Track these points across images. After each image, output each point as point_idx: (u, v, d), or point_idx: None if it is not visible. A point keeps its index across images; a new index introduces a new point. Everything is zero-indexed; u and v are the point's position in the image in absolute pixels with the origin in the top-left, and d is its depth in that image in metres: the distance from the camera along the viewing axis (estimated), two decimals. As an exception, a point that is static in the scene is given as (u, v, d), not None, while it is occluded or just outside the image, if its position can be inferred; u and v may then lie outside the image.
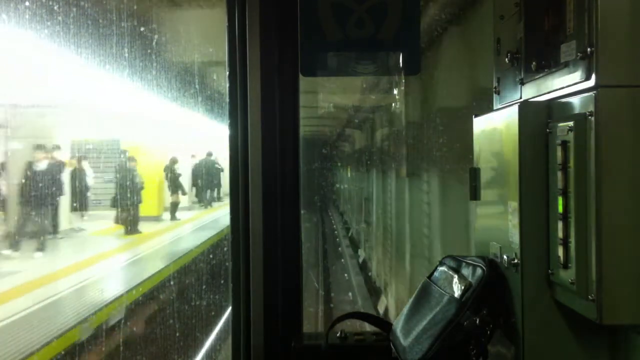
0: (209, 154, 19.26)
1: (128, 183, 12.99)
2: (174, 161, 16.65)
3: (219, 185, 20.32)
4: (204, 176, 19.42)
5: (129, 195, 12.87)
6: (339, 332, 1.90)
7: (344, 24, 2.01)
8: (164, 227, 14.99)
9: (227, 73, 2.04)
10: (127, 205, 12.88)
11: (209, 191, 20.04)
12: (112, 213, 12.93)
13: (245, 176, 2.01)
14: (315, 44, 2.04)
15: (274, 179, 2.01)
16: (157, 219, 15.37)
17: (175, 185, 16.41)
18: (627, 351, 1.21)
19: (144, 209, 13.99)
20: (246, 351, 2.01)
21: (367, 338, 1.92)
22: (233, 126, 2.03)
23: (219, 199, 20.66)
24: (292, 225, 2.06)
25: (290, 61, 2.02)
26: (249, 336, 2.00)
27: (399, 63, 2.12)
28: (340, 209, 20.53)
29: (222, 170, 19.56)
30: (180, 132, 16.92)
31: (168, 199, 16.47)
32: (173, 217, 15.91)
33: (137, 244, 12.35)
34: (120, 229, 12.87)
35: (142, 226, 13.38)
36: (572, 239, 1.13)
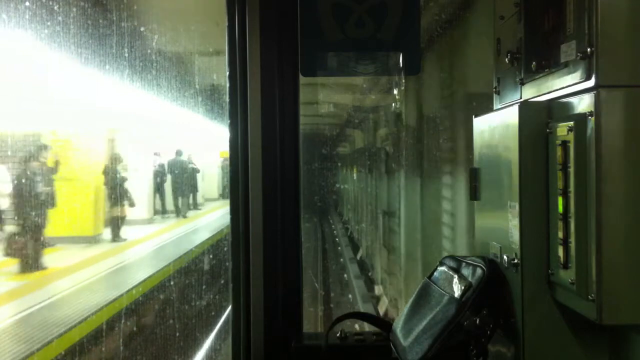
0: (179, 153, 15.77)
1: (27, 191, 8.85)
2: (115, 160, 11.91)
3: (194, 190, 17.19)
4: (174, 180, 15.57)
5: (29, 209, 8.75)
6: (339, 332, 1.90)
7: (344, 24, 2.01)
8: (92, 255, 9.88)
9: (227, 73, 2.04)
10: (27, 225, 8.66)
11: (180, 198, 16.34)
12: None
13: (245, 176, 2.01)
14: (315, 44, 2.04)
15: (274, 180, 2.01)
16: (91, 240, 10.73)
17: (117, 193, 11.65)
18: (627, 351, 1.21)
19: (69, 227, 9.98)
20: (246, 351, 2.01)
21: (367, 338, 1.92)
22: (233, 126, 2.03)
23: (196, 206, 17.55)
24: (292, 225, 2.06)
25: (290, 61, 2.02)
26: (249, 336, 2.00)
27: (399, 63, 2.12)
28: (344, 218, 17.62)
29: (198, 171, 16.89)
30: (155, 128, 13.64)
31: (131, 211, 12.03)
32: (116, 238, 11.36)
33: (19, 294, 7.09)
34: (14, 262, 8.33)
35: (60, 254, 9.12)
36: (572, 239, 1.13)
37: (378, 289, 9.01)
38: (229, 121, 2.05)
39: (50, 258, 8.82)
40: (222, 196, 20.20)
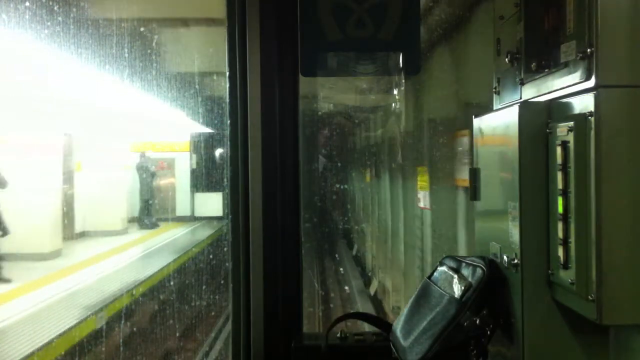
0: None
1: None
2: None
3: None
4: None
5: None
6: (339, 333, 1.90)
7: (344, 24, 2.01)
8: None
9: (227, 73, 2.04)
10: None
11: None
12: None
13: (245, 176, 2.01)
14: (315, 44, 2.04)
15: (274, 179, 2.01)
16: None
17: None
18: (627, 351, 1.21)
19: None
20: (246, 351, 2.01)
21: (367, 338, 1.92)
22: (233, 126, 2.03)
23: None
24: (292, 225, 2.06)
25: (290, 61, 2.02)
26: (249, 336, 2.00)
27: (399, 63, 2.12)
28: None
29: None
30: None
31: None
32: None
33: None
34: None
35: None
36: (572, 239, 1.13)
37: None
38: (229, 121, 2.05)
39: None
40: (142, 222, 12.24)
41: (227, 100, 2.04)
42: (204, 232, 11.76)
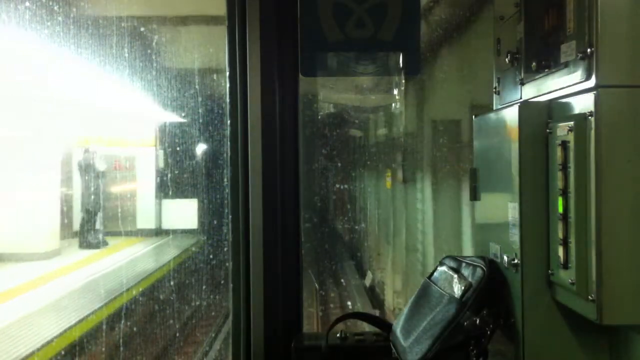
0: None
1: None
2: None
3: None
4: None
5: None
6: (339, 333, 1.90)
7: (344, 24, 2.01)
8: None
9: (227, 73, 2.04)
10: None
11: None
12: None
13: (245, 176, 2.01)
14: (315, 44, 2.04)
15: (274, 179, 2.01)
16: None
17: None
18: (627, 351, 1.21)
19: None
20: (246, 351, 2.01)
21: (367, 338, 1.92)
22: (233, 126, 2.03)
23: None
24: (292, 225, 2.06)
25: (290, 61, 2.02)
26: (249, 336, 2.00)
27: (399, 63, 2.12)
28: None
29: None
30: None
31: None
32: None
33: None
34: None
35: None
36: (572, 239, 1.13)
37: None
38: (229, 121, 2.05)
39: None
40: (85, 239, 9.09)
41: (227, 99, 2.04)
42: (171, 252, 9.07)
